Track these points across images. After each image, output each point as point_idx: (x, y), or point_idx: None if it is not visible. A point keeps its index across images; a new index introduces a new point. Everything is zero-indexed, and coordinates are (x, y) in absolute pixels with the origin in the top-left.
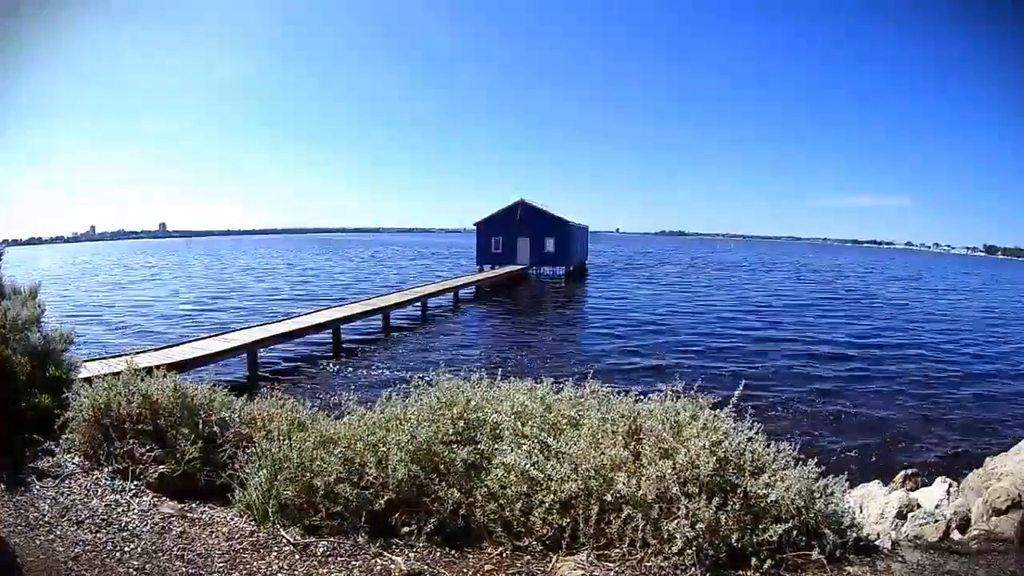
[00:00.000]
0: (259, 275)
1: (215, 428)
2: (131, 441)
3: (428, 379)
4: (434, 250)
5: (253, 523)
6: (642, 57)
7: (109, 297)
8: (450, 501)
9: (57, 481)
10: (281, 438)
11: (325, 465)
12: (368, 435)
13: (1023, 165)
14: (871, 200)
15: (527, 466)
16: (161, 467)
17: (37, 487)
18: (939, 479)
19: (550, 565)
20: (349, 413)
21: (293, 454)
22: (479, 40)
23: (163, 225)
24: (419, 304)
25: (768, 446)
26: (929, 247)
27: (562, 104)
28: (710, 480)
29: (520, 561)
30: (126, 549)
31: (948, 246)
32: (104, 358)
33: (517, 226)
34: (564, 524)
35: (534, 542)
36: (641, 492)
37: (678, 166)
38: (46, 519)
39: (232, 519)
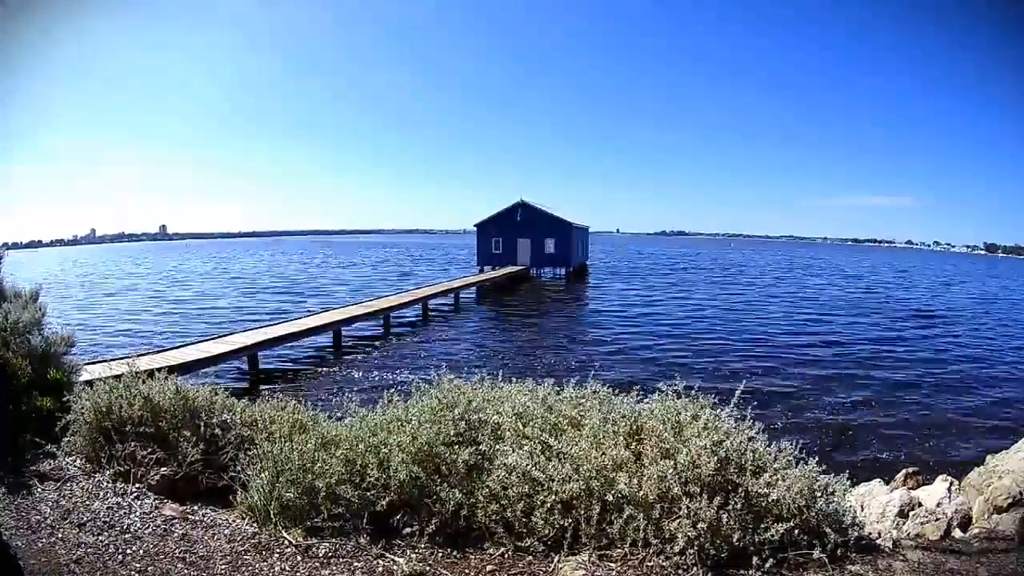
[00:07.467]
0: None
1: (216, 430)
2: (133, 444)
3: (429, 380)
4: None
5: (255, 525)
6: (642, 57)
7: (108, 300)
8: (451, 502)
9: (59, 484)
10: (282, 440)
11: (327, 467)
12: (369, 436)
13: (1022, 164)
14: (871, 200)
15: (528, 467)
16: (163, 469)
17: (39, 490)
18: (940, 477)
19: (552, 565)
20: (350, 415)
21: (295, 456)
22: (479, 41)
23: (163, 228)
24: (419, 306)
25: (769, 445)
26: (929, 245)
27: (561, 105)
28: (711, 480)
29: (522, 562)
30: (128, 552)
31: (948, 244)
32: (105, 361)
33: (518, 227)
34: (566, 524)
35: (536, 542)
36: (642, 492)
37: (677, 167)
38: (48, 522)
39: (234, 521)
